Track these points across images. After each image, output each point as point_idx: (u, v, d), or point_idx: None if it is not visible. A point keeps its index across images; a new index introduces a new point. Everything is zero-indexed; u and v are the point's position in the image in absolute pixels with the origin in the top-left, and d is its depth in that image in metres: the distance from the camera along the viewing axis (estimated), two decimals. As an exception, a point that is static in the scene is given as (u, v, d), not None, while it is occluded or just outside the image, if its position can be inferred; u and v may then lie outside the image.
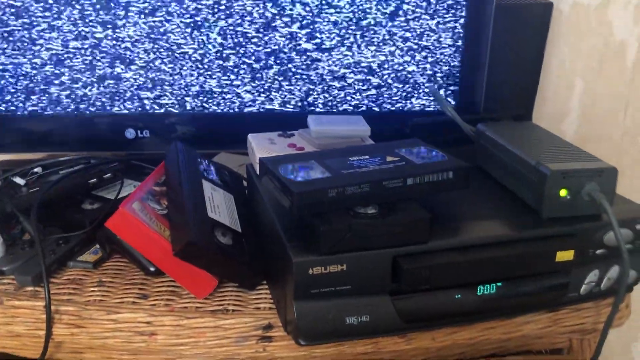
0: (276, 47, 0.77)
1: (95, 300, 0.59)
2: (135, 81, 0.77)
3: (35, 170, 0.72)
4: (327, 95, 0.80)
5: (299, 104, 0.80)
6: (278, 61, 0.77)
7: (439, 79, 0.80)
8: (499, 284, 0.55)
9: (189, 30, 0.75)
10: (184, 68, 0.77)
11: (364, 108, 0.81)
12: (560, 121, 0.99)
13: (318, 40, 0.77)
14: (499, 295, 0.55)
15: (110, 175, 0.74)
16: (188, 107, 0.79)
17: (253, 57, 0.77)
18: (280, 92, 0.79)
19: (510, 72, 0.86)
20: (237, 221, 0.63)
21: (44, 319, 0.57)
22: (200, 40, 0.75)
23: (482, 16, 0.78)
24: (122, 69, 0.76)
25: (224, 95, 0.79)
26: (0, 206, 0.66)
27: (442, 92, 0.81)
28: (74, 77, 0.76)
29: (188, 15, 0.74)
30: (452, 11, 0.77)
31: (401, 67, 0.79)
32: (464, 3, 0.76)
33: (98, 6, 0.73)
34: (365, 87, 0.80)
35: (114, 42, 0.75)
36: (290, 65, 0.77)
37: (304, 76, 0.78)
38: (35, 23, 0.73)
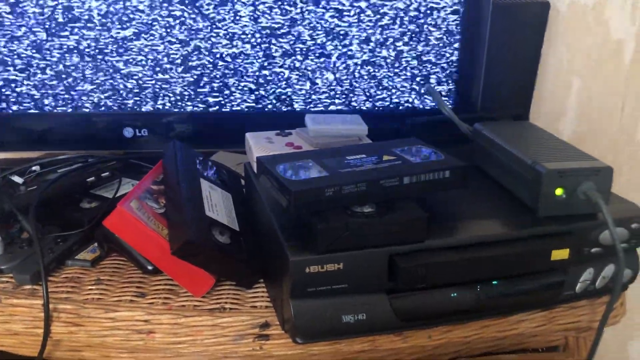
0: (275, 45, 0.77)
1: (93, 299, 0.59)
2: (134, 79, 0.77)
3: (34, 168, 0.72)
4: (325, 93, 0.80)
5: (297, 102, 0.80)
6: (277, 60, 0.77)
7: (436, 78, 0.80)
8: (495, 282, 0.55)
9: (186, 29, 0.75)
10: (183, 66, 0.77)
11: (361, 107, 0.81)
12: (557, 120, 0.99)
13: (315, 38, 0.77)
14: (495, 294, 0.55)
15: (108, 174, 0.74)
16: (186, 106, 0.79)
17: (252, 56, 0.77)
18: (278, 91, 0.79)
19: (508, 71, 0.86)
20: (235, 220, 0.64)
21: (42, 317, 0.57)
22: (198, 40, 0.76)
23: (479, 15, 0.78)
24: (120, 67, 0.76)
25: (222, 93, 0.79)
26: (-2, 205, 0.67)
27: (439, 91, 0.81)
28: (72, 75, 0.76)
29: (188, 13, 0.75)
30: (450, 10, 0.77)
31: (398, 66, 0.79)
32: (462, 2, 0.76)
33: (96, 4, 0.73)
34: (362, 86, 0.80)
35: (112, 40, 0.75)
36: (286, 62, 0.78)
37: (301, 74, 0.78)
38: (30, 20, 0.74)
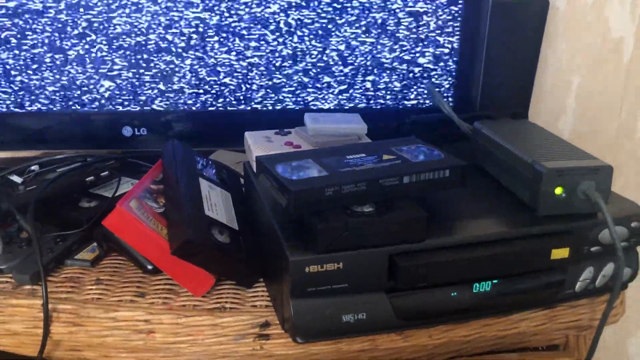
0: (274, 43, 0.77)
1: (93, 299, 0.59)
2: (132, 78, 0.77)
3: (32, 168, 0.72)
4: (323, 92, 0.80)
5: (295, 101, 0.80)
6: (275, 59, 0.77)
7: (435, 76, 0.80)
8: (495, 281, 0.55)
9: (186, 28, 0.75)
10: (182, 65, 0.77)
11: (361, 106, 0.81)
12: (556, 118, 0.99)
13: (313, 37, 0.77)
14: (495, 293, 0.55)
15: (107, 173, 0.73)
16: (185, 104, 0.79)
17: (253, 55, 0.77)
18: (276, 90, 0.79)
19: (507, 70, 0.86)
20: (235, 219, 0.63)
21: (42, 317, 0.57)
22: (197, 38, 0.76)
23: (479, 13, 0.78)
24: (118, 66, 0.76)
25: (221, 92, 0.79)
26: (-3, 205, 0.66)
27: (438, 90, 0.81)
28: (71, 74, 0.76)
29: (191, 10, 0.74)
30: (449, 9, 0.77)
31: (398, 65, 0.79)
32: (461, 0, 0.76)
33: (94, 3, 0.73)
34: (361, 85, 0.80)
35: (110, 39, 0.75)
36: (285, 61, 0.78)
37: (299, 73, 0.78)
38: (29, 20, 0.73)
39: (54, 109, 0.78)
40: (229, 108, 0.79)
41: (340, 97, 0.80)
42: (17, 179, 0.70)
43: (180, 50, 0.76)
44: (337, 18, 0.76)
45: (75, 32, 0.74)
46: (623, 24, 0.93)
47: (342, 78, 0.79)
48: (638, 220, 0.58)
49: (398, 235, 0.51)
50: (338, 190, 0.50)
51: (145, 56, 0.76)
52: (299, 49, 0.77)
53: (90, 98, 0.78)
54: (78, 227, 0.66)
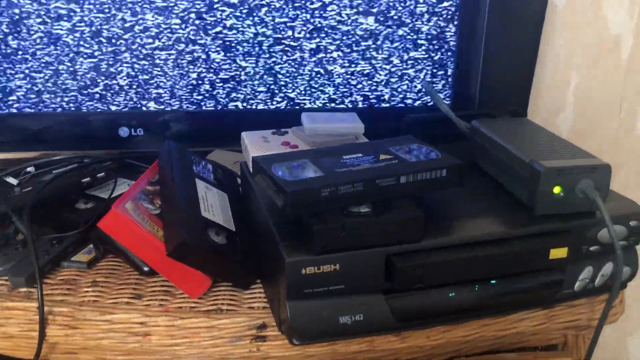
0: (270, 43, 0.76)
1: (89, 301, 0.59)
2: (129, 78, 0.77)
3: (28, 169, 0.71)
4: (320, 92, 0.79)
5: (293, 101, 0.79)
6: (274, 58, 0.77)
7: (432, 75, 0.80)
8: (493, 281, 0.55)
9: (184, 27, 0.75)
10: (181, 64, 0.76)
11: (358, 105, 0.80)
12: (555, 115, 0.99)
13: (313, 36, 0.76)
14: (493, 293, 0.55)
15: (103, 175, 0.73)
16: (182, 105, 0.79)
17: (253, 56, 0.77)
18: (275, 89, 0.79)
19: (505, 68, 0.85)
20: (231, 220, 0.63)
21: (38, 320, 0.57)
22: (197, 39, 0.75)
23: (477, 11, 0.77)
24: (116, 66, 0.76)
25: (218, 92, 0.78)
26: (-7, 206, 0.66)
27: (436, 88, 0.80)
28: (67, 74, 0.76)
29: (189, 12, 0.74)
30: (447, 6, 0.76)
31: (395, 64, 0.79)
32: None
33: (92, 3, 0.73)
34: (358, 84, 0.79)
35: (108, 38, 0.74)
36: (283, 61, 0.77)
37: (297, 73, 0.78)
38: (26, 21, 0.73)
39: (50, 109, 0.77)
40: (225, 108, 0.79)
41: (337, 96, 0.80)
42: (13, 180, 0.69)
43: (177, 50, 0.75)
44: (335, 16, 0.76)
45: (71, 35, 0.74)
46: (622, 21, 0.93)
47: (339, 77, 0.79)
48: (637, 219, 0.57)
49: (395, 235, 0.51)
50: (335, 190, 0.49)
51: (141, 56, 0.75)
52: (296, 48, 0.77)
53: (86, 99, 0.77)
54: (74, 229, 0.66)
